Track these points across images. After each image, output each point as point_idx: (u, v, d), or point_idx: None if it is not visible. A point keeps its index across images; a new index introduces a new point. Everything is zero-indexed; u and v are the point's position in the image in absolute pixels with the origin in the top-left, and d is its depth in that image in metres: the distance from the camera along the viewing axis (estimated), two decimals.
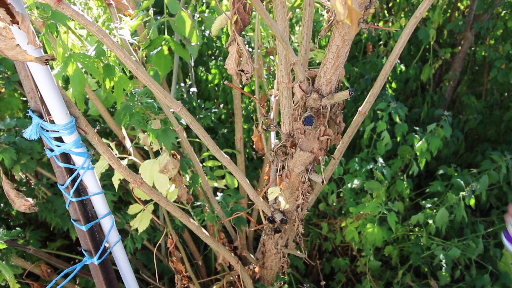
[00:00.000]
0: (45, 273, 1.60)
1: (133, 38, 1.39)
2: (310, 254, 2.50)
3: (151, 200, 1.43)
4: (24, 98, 1.97)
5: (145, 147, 1.71)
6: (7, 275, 1.36)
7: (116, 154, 1.18)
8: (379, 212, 1.92)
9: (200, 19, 2.08)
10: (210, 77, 2.64)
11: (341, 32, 0.88)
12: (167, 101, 0.96)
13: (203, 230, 1.35)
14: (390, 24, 2.94)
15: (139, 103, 1.32)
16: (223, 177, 1.94)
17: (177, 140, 1.40)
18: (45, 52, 1.17)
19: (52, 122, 0.97)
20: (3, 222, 2.11)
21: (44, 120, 0.96)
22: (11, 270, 1.39)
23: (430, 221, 2.06)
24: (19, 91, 1.86)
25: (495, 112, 3.09)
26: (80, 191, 1.09)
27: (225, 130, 2.46)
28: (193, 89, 2.33)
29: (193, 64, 2.46)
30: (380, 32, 2.86)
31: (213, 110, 2.20)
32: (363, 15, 0.82)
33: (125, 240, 1.76)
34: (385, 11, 3.09)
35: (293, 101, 1.10)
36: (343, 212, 2.29)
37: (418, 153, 2.15)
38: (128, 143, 1.68)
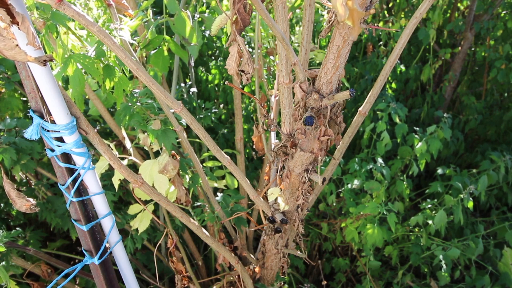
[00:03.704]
0: (46, 273, 1.60)
1: (133, 38, 1.39)
2: (310, 254, 2.50)
3: (151, 200, 1.44)
4: (24, 98, 1.97)
5: (145, 147, 1.71)
6: (4, 279, 1.35)
7: (116, 155, 1.19)
8: (379, 212, 1.92)
9: (200, 19, 2.08)
10: (210, 77, 2.64)
11: (342, 32, 0.88)
12: (168, 101, 0.96)
13: (204, 230, 1.35)
14: (390, 24, 2.94)
15: (139, 104, 1.32)
16: (223, 177, 1.94)
17: (177, 140, 1.40)
18: (46, 52, 1.17)
19: (53, 122, 0.97)
20: (3, 222, 2.11)
21: (45, 120, 0.96)
22: (7, 274, 1.39)
23: (430, 222, 2.06)
24: (19, 91, 1.86)
25: (495, 113, 3.09)
26: (81, 191, 1.09)
27: (225, 130, 2.47)
28: (193, 89, 2.33)
29: (193, 64, 2.46)
30: (380, 33, 2.86)
31: (213, 110, 2.20)
32: (364, 15, 0.82)
33: (125, 240, 1.76)
34: (385, 12, 3.09)
35: (294, 102, 1.10)
36: (343, 212, 2.29)
37: (418, 155, 2.16)
38: (128, 144, 1.68)
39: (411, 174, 2.26)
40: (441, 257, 1.98)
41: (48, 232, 2.30)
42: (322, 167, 1.26)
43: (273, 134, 1.47)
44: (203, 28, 2.46)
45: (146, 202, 1.47)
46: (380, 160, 2.16)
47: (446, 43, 3.14)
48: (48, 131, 0.98)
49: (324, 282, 1.99)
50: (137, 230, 1.72)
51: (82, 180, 1.07)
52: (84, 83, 1.19)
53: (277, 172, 1.25)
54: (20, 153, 1.54)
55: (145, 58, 1.67)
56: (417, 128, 2.30)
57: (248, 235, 1.98)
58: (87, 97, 1.77)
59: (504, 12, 2.91)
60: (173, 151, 1.39)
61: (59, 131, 0.97)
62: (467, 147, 3.07)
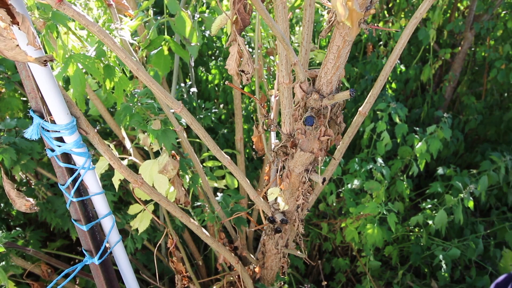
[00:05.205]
0: (46, 273, 1.60)
1: (133, 38, 1.39)
2: (310, 254, 2.50)
3: (151, 200, 1.44)
4: (25, 98, 1.97)
5: (145, 147, 1.71)
6: (3, 280, 1.35)
7: (116, 155, 1.19)
8: (379, 212, 1.92)
9: (200, 19, 2.08)
10: (210, 77, 2.64)
11: (342, 32, 0.88)
12: (168, 101, 0.96)
13: (204, 230, 1.35)
14: (390, 24, 2.94)
15: (139, 104, 1.32)
16: (223, 177, 1.94)
17: (177, 140, 1.40)
18: (46, 52, 1.17)
19: (53, 122, 0.97)
20: (3, 222, 2.11)
21: (45, 120, 0.96)
22: (6, 275, 1.39)
23: (430, 222, 2.06)
24: (19, 92, 1.86)
25: (495, 113, 3.09)
26: (81, 191, 1.09)
27: (225, 130, 2.46)
28: (193, 89, 2.33)
29: (193, 64, 2.46)
30: (380, 33, 2.86)
31: (213, 110, 2.20)
32: (363, 15, 0.82)
33: (125, 240, 1.76)
34: (385, 12, 3.09)
35: (294, 102, 1.10)
36: (343, 212, 2.29)
37: (418, 155, 2.16)
38: (128, 144, 1.68)
39: (411, 174, 2.26)
40: (441, 257, 1.98)
41: (48, 232, 2.30)
42: (322, 167, 1.26)
43: (273, 134, 1.48)
44: (203, 28, 2.46)
45: (146, 202, 1.47)
46: (380, 160, 2.16)
47: (446, 43, 3.14)
48: (48, 131, 0.98)
49: (324, 283, 1.99)
50: (137, 230, 1.72)
51: (82, 180, 1.07)
52: (85, 83, 1.20)
53: (277, 172, 1.25)
54: (20, 153, 1.54)
55: (145, 58, 1.67)
56: (417, 128, 2.30)
57: (248, 235, 1.98)
58: (87, 97, 1.78)
59: (504, 12, 2.91)
60: (173, 151, 1.39)
61: (59, 131, 0.97)
62: (467, 147, 3.07)
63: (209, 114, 2.15)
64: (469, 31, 2.80)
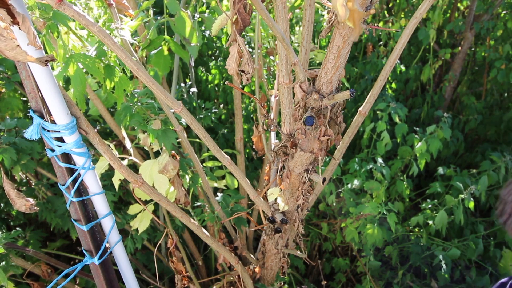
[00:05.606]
0: (46, 273, 1.60)
1: (133, 38, 1.39)
2: (310, 254, 2.50)
3: (151, 200, 1.44)
4: (25, 99, 1.97)
5: (145, 147, 1.71)
6: (2, 281, 1.36)
7: (116, 155, 1.19)
8: (379, 212, 1.92)
9: (200, 19, 2.08)
10: (210, 77, 2.64)
11: (342, 32, 0.88)
12: (168, 101, 0.96)
13: (204, 230, 1.35)
14: (390, 24, 2.94)
15: (139, 104, 1.32)
16: (223, 177, 1.94)
17: (177, 140, 1.40)
18: (46, 52, 1.17)
19: (53, 122, 0.97)
20: (3, 222, 2.11)
21: (45, 120, 0.96)
22: (6, 275, 1.39)
23: (430, 222, 2.06)
24: (19, 92, 1.86)
25: (495, 113, 3.09)
26: (81, 191, 1.09)
27: (225, 130, 2.47)
28: (193, 89, 2.33)
29: (193, 64, 2.46)
30: (380, 33, 2.86)
31: (213, 110, 2.20)
32: (364, 16, 0.82)
33: (125, 240, 1.76)
34: (385, 12, 3.09)
35: (294, 102, 1.10)
36: (343, 212, 2.29)
37: (418, 154, 2.16)
38: (128, 144, 1.69)
39: (411, 174, 2.26)
40: (441, 257, 1.98)
41: (48, 232, 2.30)
42: (322, 167, 1.26)
43: (273, 134, 1.48)
44: (203, 28, 2.46)
45: (146, 202, 1.47)
46: (380, 160, 2.16)
47: (446, 43, 3.14)
48: (48, 131, 0.98)
49: (324, 282, 1.99)
50: (137, 230, 1.72)
51: (82, 180, 1.07)
52: (85, 83, 1.20)
53: (277, 172, 1.25)
54: (20, 153, 1.54)
55: (145, 58, 1.67)
56: (417, 128, 2.30)
57: (248, 235, 1.98)
58: (88, 97, 1.78)
59: (504, 12, 2.92)
60: (173, 151, 1.39)
61: (59, 131, 0.97)
62: (467, 147, 3.07)
63: (209, 114, 2.15)
64: (469, 31, 2.80)
